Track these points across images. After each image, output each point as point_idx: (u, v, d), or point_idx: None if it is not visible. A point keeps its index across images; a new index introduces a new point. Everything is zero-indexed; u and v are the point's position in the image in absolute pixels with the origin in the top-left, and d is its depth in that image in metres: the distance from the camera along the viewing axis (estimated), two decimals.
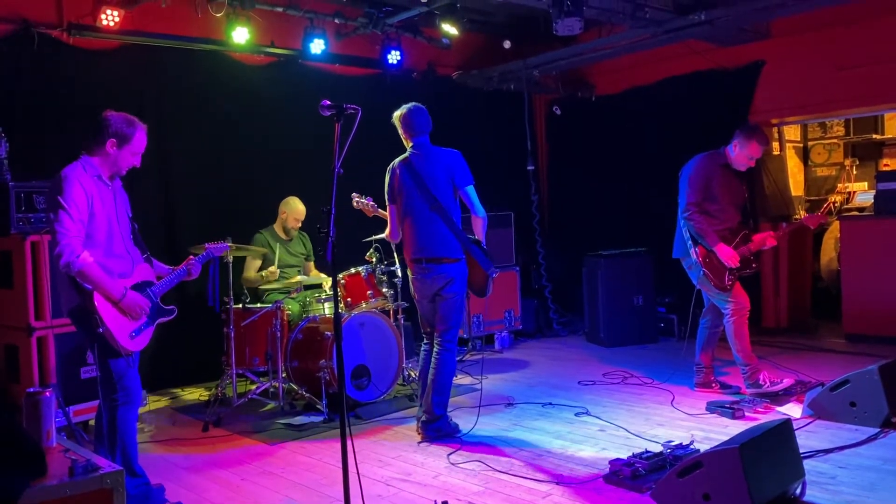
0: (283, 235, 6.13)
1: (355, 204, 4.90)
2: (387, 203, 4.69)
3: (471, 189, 4.55)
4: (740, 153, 5.11)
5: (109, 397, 3.54)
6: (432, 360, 4.60)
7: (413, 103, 4.65)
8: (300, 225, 6.14)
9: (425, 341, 4.75)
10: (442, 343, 4.57)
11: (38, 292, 4.61)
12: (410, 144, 4.64)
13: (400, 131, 4.66)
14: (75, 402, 4.66)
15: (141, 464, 3.68)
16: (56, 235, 3.33)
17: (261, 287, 5.93)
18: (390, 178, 4.65)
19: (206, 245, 4.19)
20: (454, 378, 4.74)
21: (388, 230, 4.72)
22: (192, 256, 3.93)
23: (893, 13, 6.52)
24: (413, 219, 4.55)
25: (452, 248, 4.48)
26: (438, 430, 4.55)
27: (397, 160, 4.67)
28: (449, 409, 4.70)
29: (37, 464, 2.37)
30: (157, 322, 3.72)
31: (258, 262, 5.95)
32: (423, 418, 4.59)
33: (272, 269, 5.77)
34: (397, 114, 4.63)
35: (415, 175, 4.54)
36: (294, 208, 6.07)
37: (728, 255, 5.01)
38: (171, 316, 3.80)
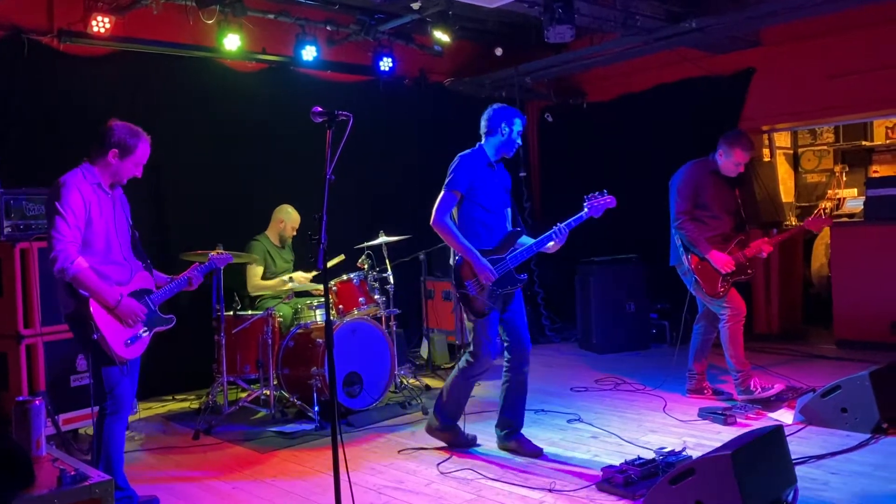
0: (276, 243, 6.12)
1: None
2: None
3: (443, 191, 4.25)
4: (726, 161, 5.13)
5: (100, 405, 3.53)
6: None
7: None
8: (295, 233, 6.15)
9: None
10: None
11: (28, 300, 4.58)
12: None
13: None
14: (65, 410, 4.62)
15: (132, 472, 3.66)
16: (51, 241, 3.33)
17: (254, 294, 5.92)
18: None
19: (210, 255, 4.16)
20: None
21: None
22: (195, 265, 3.88)
23: (882, 22, 6.57)
24: None
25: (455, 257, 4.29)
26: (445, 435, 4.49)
27: None
28: None
29: (25, 473, 2.35)
30: (154, 330, 3.70)
31: (261, 269, 5.93)
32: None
33: (289, 286, 5.70)
34: None
35: None
36: (293, 217, 6.10)
37: (722, 261, 5.02)
38: (169, 325, 3.77)
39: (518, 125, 4.28)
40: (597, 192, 4.21)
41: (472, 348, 4.29)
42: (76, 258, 3.33)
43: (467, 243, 4.17)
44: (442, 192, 4.24)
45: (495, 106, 4.33)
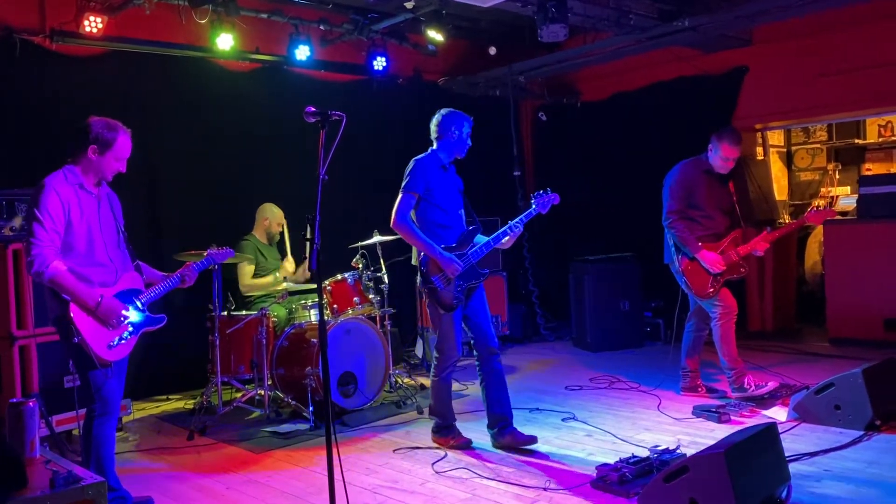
0: (264, 241, 6.13)
1: None
2: None
3: (401, 193, 4.39)
4: (715, 156, 5.15)
5: (87, 407, 3.51)
6: None
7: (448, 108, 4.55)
8: (281, 228, 6.16)
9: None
10: None
11: (21, 301, 4.57)
12: None
13: None
14: (58, 411, 4.60)
15: (126, 473, 3.65)
16: (28, 246, 3.32)
17: (245, 293, 5.91)
18: None
19: (209, 251, 4.15)
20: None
21: None
22: (189, 263, 3.87)
23: (874, 20, 6.60)
24: None
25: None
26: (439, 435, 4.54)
27: None
28: None
29: (17, 476, 2.34)
30: (143, 331, 3.66)
31: (252, 268, 5.93)
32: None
33: (283, 285, 5.71)
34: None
35: None
36: (276, 213, 6.14)
37: (712, 261, 5.03)
38: (159, 325, 3.74)
39: (467, 127, 4.49)
40: (541, 191, 4.48)
41: (436, 344, 4.45)
42: (52, 261, 3.30)
43: (429, 240, 4.33)
44: (400, 195, 4.40)
45: (443, 111, 4.52)
